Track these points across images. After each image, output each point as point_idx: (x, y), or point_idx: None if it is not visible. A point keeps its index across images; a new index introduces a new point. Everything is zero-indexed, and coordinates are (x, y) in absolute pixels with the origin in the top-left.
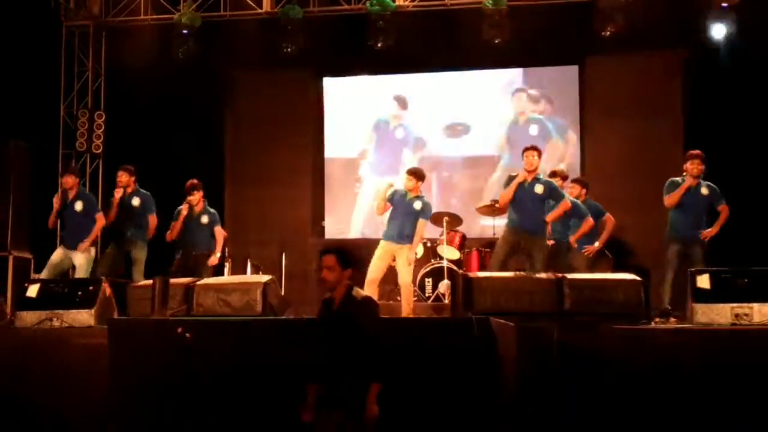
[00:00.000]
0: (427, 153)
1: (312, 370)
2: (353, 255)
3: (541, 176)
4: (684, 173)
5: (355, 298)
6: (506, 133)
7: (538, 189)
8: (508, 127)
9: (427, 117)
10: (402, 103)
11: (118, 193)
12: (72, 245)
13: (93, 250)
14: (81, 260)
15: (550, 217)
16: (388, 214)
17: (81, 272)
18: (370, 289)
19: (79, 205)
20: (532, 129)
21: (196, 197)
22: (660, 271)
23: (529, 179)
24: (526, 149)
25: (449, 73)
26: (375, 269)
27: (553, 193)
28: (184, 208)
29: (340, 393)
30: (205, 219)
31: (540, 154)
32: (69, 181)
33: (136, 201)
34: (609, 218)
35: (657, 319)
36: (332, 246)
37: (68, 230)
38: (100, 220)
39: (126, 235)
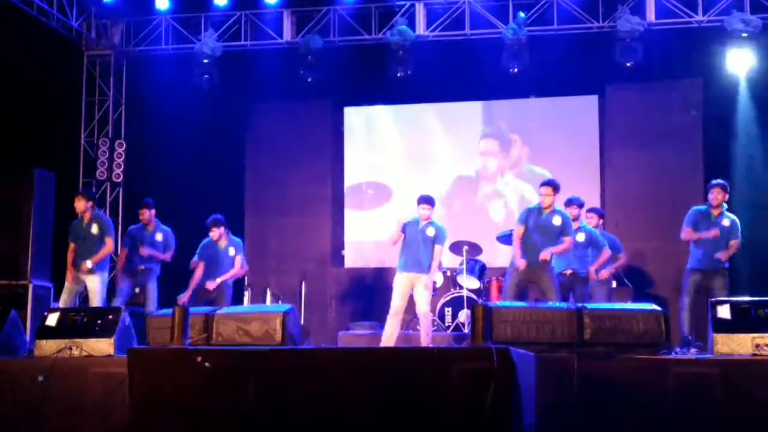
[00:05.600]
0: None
1: None
2: None
3: (560, 209)
4: (706, 202)
5: None
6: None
7: (557, 221)
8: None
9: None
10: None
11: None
12: (79, 266)
13: (106, 275)
14: (93, 284)
15: (546, 252)
16: (400, 243)
17: (95, 297)
18: (393, 322)
19: (95, 228)
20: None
21: (216, 233)
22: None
23: (547, 212)
24: (542, 184)
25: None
26: (397, 302)
27: (566, 229)
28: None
29: None
30: (231, 251)
31: (555, 190)
32: (80, 205)
33: (159, 236)
34: (622, 257)
35: (677, 350)
36: None
37: (81, 253)
38: (109, 245)
39: (140, 266)
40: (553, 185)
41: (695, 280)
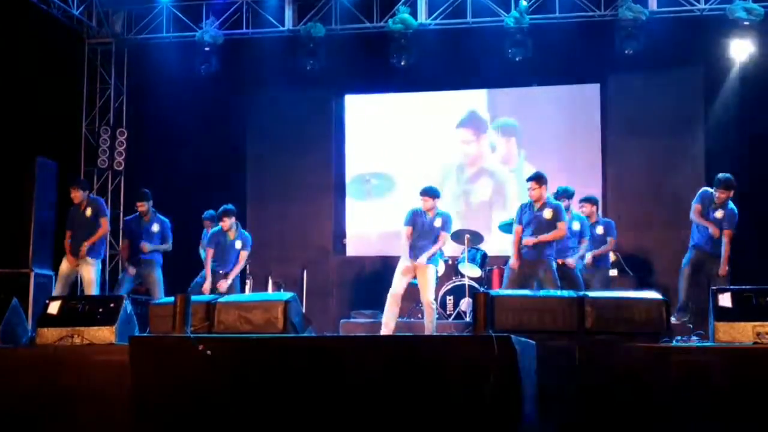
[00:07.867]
0: None
1: None
2: None
3: (551, 200)
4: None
5: None
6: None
7: (547, 214)
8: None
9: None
10: None
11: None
12: (77, 252)
13: (100, 264)
14: (88, 274)
15: (529, 239)
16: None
17: (90, 287)
18: (391, 302)
19: (89, 212)
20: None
21: (227, 224)
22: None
23: (537, 206)
24: (527, 180)
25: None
26: (397, 284)
27: (557, 216)
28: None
29: None
30: (238, 244)
31: (539, 182)
32: (77, 195)
33: (155, 227)
34: (611, 241)
35: (678, 338)
36: None
37: (77, 238)
38: (105, 225)
39: (141, 258)
40: (536, 178)
41: (696, 255)
